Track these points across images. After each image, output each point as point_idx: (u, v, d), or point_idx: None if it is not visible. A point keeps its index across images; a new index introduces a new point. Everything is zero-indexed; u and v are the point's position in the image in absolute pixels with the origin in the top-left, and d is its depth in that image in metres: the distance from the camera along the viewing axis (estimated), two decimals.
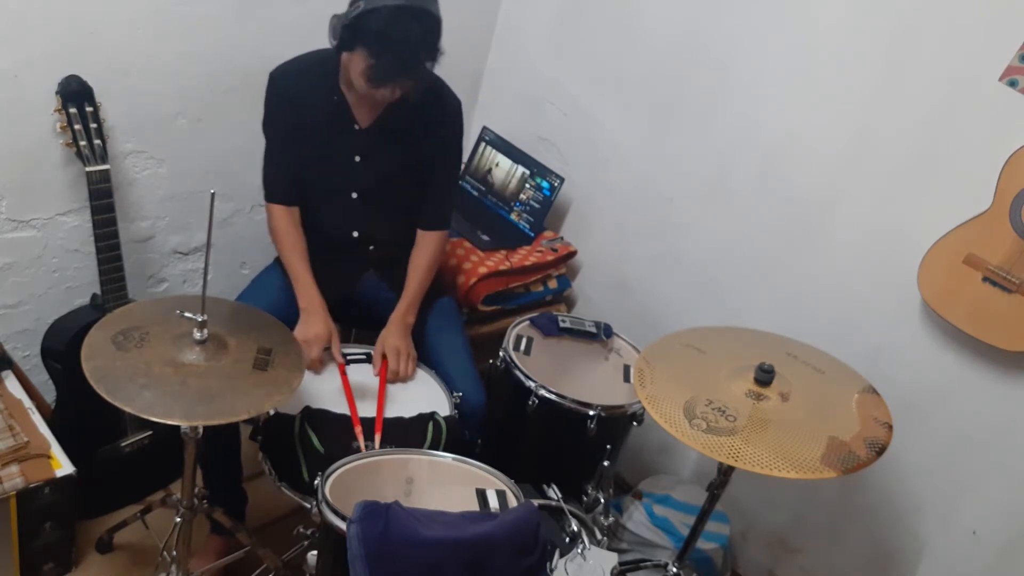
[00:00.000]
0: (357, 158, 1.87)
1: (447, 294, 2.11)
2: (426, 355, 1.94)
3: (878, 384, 1.62)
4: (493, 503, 1.53)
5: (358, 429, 1.68)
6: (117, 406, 1.33)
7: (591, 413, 1.83)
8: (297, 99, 1.82)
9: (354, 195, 1.91)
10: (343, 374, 1.80)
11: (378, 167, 1.88)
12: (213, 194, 1.39)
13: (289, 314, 1.82)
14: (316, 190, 1.92)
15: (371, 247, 1.98)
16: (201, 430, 1.57)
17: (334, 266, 1.97)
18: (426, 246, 1.97)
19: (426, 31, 1.63)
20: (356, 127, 1.84)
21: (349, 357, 1.89)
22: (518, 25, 2.59)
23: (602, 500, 1.88)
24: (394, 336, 1.89)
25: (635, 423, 1.93)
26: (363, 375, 1.86)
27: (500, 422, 1.94)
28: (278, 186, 1.91)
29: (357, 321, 2.17)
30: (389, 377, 1.84)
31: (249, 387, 1.44)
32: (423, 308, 1.99)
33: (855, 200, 1.93)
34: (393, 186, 1.92)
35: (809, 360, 1.67)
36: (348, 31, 1.62)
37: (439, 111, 1.90)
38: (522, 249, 2.44)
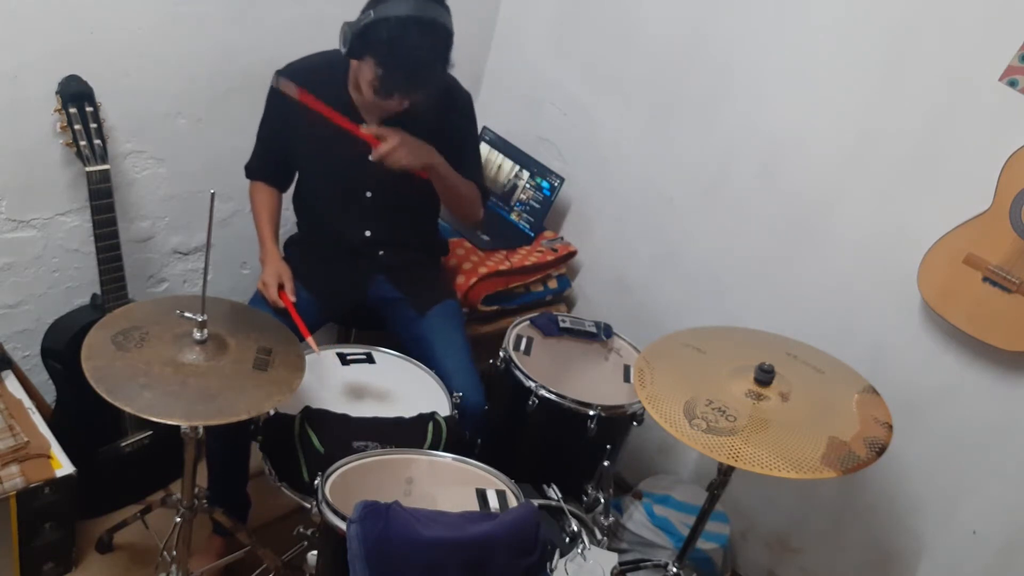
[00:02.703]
0: (370, 156, 1.87)
1: (453, 297, 2.10)
2: (426, 353, 1.94)
3: (878, 384, 1.62)
4: (493, 503, 1.53)
5: (309, 339, 1.75)
6: (117, 406, 1.33)
7: (591, 413, 1.83)
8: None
9: (368, 194, 1.91)
10: (288, 303, 1.84)
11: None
12: (213, 194, 1.39)
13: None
14: (328, 190, 1.93)
15: (381, 252, 1.98)
16: (202, 430, 1.57)
17: (346, 272, 1.98)
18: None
19: (435, 43, 1.62)
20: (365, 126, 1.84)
21: (349, 357, 1.89)
22: (518, 25, 2.59)
23: (602, 500, 1.88)
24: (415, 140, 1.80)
25: (635, 423, 1.93)
26: (363, 375, 1.86)
27: (500, 422, 1.94)
28: (264, 170, 1.97)
29: (360, 322, 2.18)
30: (376, 133, 1.74)
31: (249, 387, 1.44)
32: (427, 307, 1.99)
33: (855, 200, 1.93)
34: (406, 183, 1.90)
35: (809, 360, 1.67)
36: (358, 39, 1.61)
37: (449, 107, 1.91)
38: (522, 249, 2.44)
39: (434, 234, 2.15)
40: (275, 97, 1.86)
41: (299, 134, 1.86)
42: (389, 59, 1.60)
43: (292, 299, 1.85)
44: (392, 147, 1.73)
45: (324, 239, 1.98)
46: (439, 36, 1.62)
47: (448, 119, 1.91)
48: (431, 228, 2.13)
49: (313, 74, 1.82)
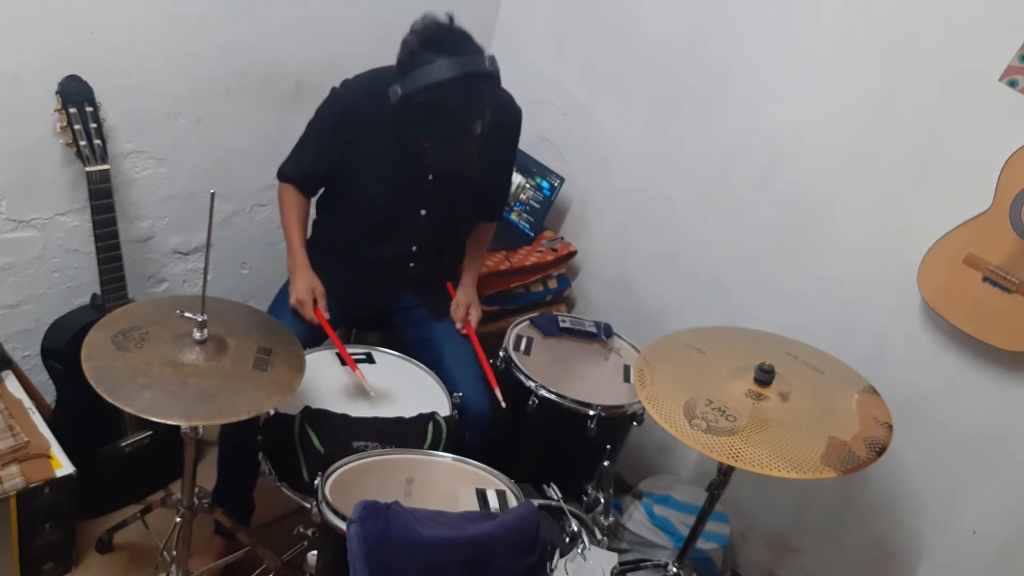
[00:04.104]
0: (431, 176, 1.86)
1: None
2: (434, 357, 1.94)
3: (878, 384, 1.62)
4: (493, 503, 1.53)
5: (358, 372, 1.78)
6: (117, 406, 1.33)
7: (591, 413, 1.83)
8: (367, 121, 1.78)
9: (423, 212, 1.90)
10: (325, 323, 1.84)
11: (451, 184, 1.87)
12: (213, 194, 1.39)
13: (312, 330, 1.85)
14: (382, 206, 1.90)
15: (412, 264, 1.97)
16: (202, 430, 1.57)
17: (374, 284, 1.99)
18: (484, 232, 2.12)
19: (475, 97, 1.57)
20: (427, 146, 1.79)
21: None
22: (518, 25, 2.59)
23: (602, 500, 1.88)
24: (465, 295, 2.04)
25: (635, 423, 1.93)
26: (364, 375, 1.85)
27: (500, 422, 1.94)
28: (302, 177, 1.92)
29: (363, 322, 2.18)
30: (464, 325, 1.99)
31: (249, 387, 1.44)
32: (443, 314, 2.00)
33: (855, 200, 1.93)
34: (460, 201, 1.93)
35: (809, 360, 1.67)
36: (402, 109, 1.58)
37: (507, 124, 1.92)
38: (522, 249, 2.44)
39: (461, 248, 2.11)
40: (330, 114, 1.82)
41: (360, 152, 1.82)
42: (432, 132, 1.60)
43: (326, 316, 1.84)
44: (478, 317, 2.00)
45: (355, 248, 1.95)
46: (481, 87, 1.57)
47: (502, 135, 1.91)
48: (462, 243, 2.11)
49: (376, 97, 1.73)
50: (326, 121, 1.84)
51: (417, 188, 1.87)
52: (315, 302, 1.85)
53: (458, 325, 1.98)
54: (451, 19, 1.60)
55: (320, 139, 1.87)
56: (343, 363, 1.86)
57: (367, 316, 2.09)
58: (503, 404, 1.82)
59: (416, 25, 1.59)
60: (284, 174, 1.93)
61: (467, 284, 2.05)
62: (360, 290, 1.98)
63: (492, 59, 1.59)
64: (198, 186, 2.18)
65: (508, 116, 1.93)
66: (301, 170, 1.91)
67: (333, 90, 1.82)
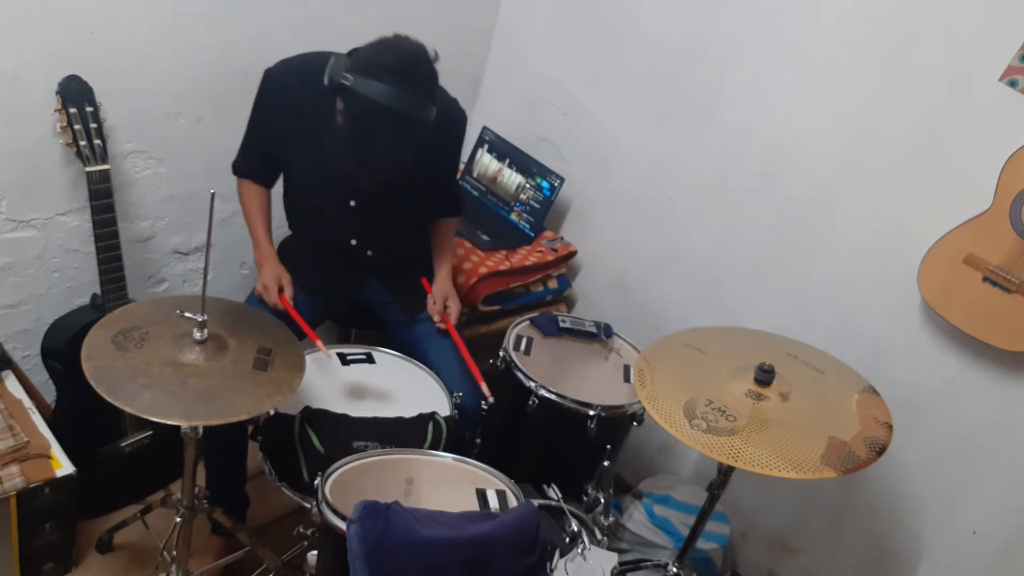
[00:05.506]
0: (440, 325, 1.89)
1: None
2: (420, 357, 1.94)
3: (878, 384, 1.62)
4: (493, 503, 1.53)
5: (318, 343, 1.79)
6: (117, 406, 1.33)
7: (591, 413, 1.83)
8: (294, 101, 1.79)
9: (352, 203, 1.89)
10: (289, 306, 1.85)
11: (376, 174, 1.83)
12: (213, 194, 1.39)
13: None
14: (313, 195, 1.91)
15: (369, 252, 1.97)
16: (202, 430, 1.57)
17: (335, 276, 1.98)
18: (444, 228, 2.09)
19: (403, 136, 1.60)
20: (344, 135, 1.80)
21: (349, 357, 1.89)
22: (518, 26, 2.59)
23: (602, 500, 1.88)
24: (441, 290, 2.00)
25: (635, 423, 1.93)
26: (364, 375, 1.86)
27: (500, 422, 1.94)
28: (251, 167, 1.94)
29: (360, 322, 2.18)
30: (443, 319, 1.96)
31: (249, 387, 1.44)
32: (416, 311, 2.00)
33: (855, 200, 1.93)
34: (392, 193, 1.90)
35: (809, 360, 1.67)
36: (333, 85, 1.59)
37: (443, 125, 1.87)
38: (522, 249, 2.44)
39: (424, 240, 2.09)
40: (263, 94, 1.83)
41: (285, 137, 1.83)
42: (352, 130, 1.61)
43: (291, 302, 1.85)
44: (457, 310, 1.96)
45: (314, 242, 1.98)
46: (409, 131, 1.59)
47: (438, 136, 1.85)
48: (419, 235, 2.08)
49: (304, 76, 1.76)
50: (260, 102, 1.85)
51: (342, 178, 1.84)
52: (281, 290, 1.86)
53: (436, 319, 1.95)
54: (434, 56, 1.61)
55: (255, 122, 1.88)
56: (344, 363, 1.87)
57: (353, 312, 2.09)
58: (491, 399, 1.80)
59: (402, 36, 1.60)
60: (235, 167, 1.95)
61: (441, 279, 2.03)
62: (331, 283, 1.98)
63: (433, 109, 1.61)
64: (198, 186, 2.18)
65: (451, 121, 1.91)
66: (246, 159, 1.93)
67: (266, 71, 1.82)
